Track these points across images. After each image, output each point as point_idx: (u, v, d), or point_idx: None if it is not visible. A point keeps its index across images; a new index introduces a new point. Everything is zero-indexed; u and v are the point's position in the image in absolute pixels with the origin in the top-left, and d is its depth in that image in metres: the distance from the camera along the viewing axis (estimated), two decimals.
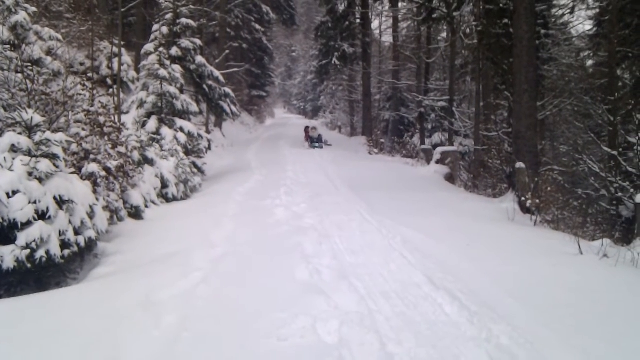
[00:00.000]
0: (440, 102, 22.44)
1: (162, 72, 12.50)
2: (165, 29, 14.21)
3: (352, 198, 10.07)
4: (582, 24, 52.69)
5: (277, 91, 65.51)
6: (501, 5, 14.84)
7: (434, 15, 20.23)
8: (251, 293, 4.72)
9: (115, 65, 14.04)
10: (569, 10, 17.89)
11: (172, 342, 3.71)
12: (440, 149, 15.76)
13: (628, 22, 13.56)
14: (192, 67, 14.97)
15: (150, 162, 10.06)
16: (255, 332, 3.83)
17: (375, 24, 30.61)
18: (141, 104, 12.56)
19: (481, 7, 16.46)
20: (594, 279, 5.19)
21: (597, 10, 17.07)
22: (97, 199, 7.02)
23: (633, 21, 13.36)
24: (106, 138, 8.82)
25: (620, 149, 10.60)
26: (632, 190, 9.41)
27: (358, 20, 26.52)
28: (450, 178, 14.43)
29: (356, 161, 16.62)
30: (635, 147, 10.13)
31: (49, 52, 12.02)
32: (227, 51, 25.39)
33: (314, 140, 21.91)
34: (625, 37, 13.63)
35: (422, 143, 22.19)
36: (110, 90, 14.74)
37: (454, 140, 21.29)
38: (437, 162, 14.97)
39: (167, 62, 12.96)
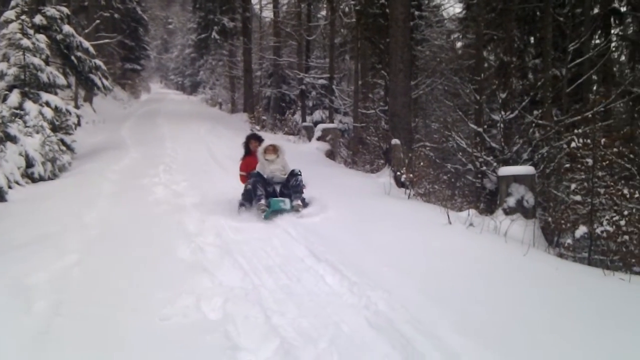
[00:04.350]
0: (321, 80, 22.76)
1: (25, 42, 11.52)
2: None
3: (236, 175, 9.97)
4: (452, 6, 55.92)
5: (152, 65, 62.78)
6: None
7: None
8: (131, 274, 4.54)
9: None
10: None
11: (44, 328, 3.49)
12: (321, 126, 16.04)
13: (494, 6, 14.52)
14: (59, 37, 13.91)
15: (13, 140, 9.29)
16: (136, 313, 3.70)
17: None
18: (1, 76, 11.50)
19: None
20: (463, 246, 5.59)
21: None
22: None
23: (498, 5, 14.34)
24: None
25: (485, 126, 11.43)
26: (495, 164, 10.20)
27: None
28: (331, 154, 14.76)
29: (239, 138, 16.37)
30: (498, 124, 10.98)
31: None
32: (98, 21, 23.88)
33: (276, 189, 6.98)
34: (491, 20, 14.60)
35: (304, 120, 22.43)
36: None
37: (334, 118, 21.75)
38: (318, 139, 15.22)
39: (31, 32, 11.96)
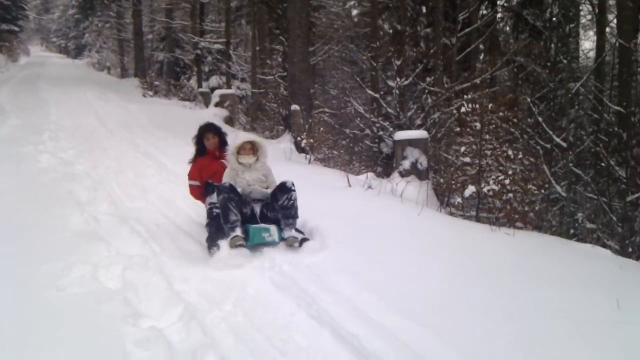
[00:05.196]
0: (217, 45, 22.17)
1: None
2: None
3: (129, 142, 9.57)
4: None
5: (32, 26, 58.06)
6: None
7: None
8: (19, 246, 4.21)
9: None
10: None
11: None
12: (218, 92, 15.71)
13: None
14: None
15: None
16: (29, 285, 3.45)
17: None
18: None
19: None
20: (362, 207, 5.76)
21: None
22: None
23: None
24: None
25: (381, 93, 11.72)
26: (391, 129, 10.52)
27: None
28: (230, 121, 14.51)
29: (130, 103, 15.66)
30: (393, 91, 11.30)
31: None
32: None
33: (255, 209, 4.65)
34: None
35: (200, 86, 21.78)
36: None
37: (232, 84, 21.35)
38: (216, 105, 14.91)
39: None
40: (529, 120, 10.21)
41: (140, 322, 3.04)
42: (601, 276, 4.32)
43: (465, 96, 9.04)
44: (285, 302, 3.38)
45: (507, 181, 6.96)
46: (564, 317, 3.36)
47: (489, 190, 7.03)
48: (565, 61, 10.82)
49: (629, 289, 4.01)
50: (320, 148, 9.91)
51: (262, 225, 4.40)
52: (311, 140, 9.31)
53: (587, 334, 3.16)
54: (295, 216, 4.50)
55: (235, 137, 4.95)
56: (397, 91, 11.14)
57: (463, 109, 8.11)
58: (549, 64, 11.41)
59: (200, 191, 5.16)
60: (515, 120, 9.31)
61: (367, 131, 11.34)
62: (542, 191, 8.26)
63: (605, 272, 4.46)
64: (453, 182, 7.81)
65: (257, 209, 4.61)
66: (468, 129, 7.92)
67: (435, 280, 3.81)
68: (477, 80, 10.58)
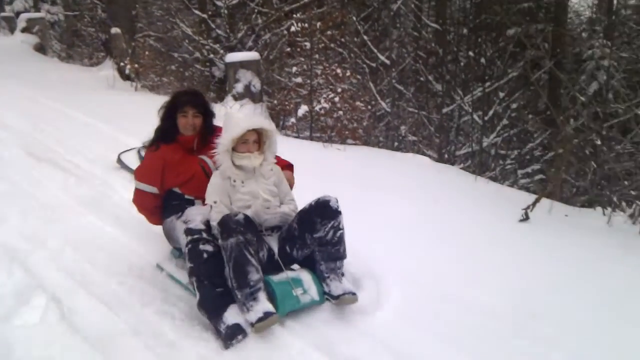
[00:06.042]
0: None
1: None
2: None
3: None
4: None
5: None
6: None
7: None
8: None
9: None
10: None
11: None
12: (24, 16, 14.03)
13: None
14: None
15: None
16: None
17: None
18: None
19: None
20: None
21: None
22: None
23: None
24: None
25: (210, 13, 11.21)
26: (222, 51, 10.21)
27: None
28: (41, 48, 13.08)
29: None
30: (222, 11, 10.87)
31: None
32: None
33: (271, 246, 2.64)
34: None
35: (2, 10, 19.21)
36: None
37: (41, 7, 19.12)
38: (23, 30, 13.32)
39: None
40: (355, 40, 10.53)
41: None
42: (422, 180, 4.75)
43: (294, 16, 9.01)
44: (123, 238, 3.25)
45: (337, 99, 7.21)
46: (390, 214, 3.66)
47: (320, 109, 7.24)
48: None
49: (444, 188, 4.47)
50: (148, 74, 9.36)
51: (290, 274, 2.59)
52: (136, 66, 8.76)
53: (410, 225, 3.50)
54: (343, 256, 2.65)
55: (227, 120, 2.68)
56: (226, 11, 10.73)
57: (293, 28, 8.13)
58: None
59: (155, 203, 2.97)
60: (343, 40, 9.55)
61: (197, 55, 10.87)
62: (369, 108, 8.70)
63: (425, 176, 4.90)
64: (287, 103, 7.92)
65: (274, 243, 2.69)
66: (299, 50, 7.99)
67: None
68: (306, 0, 10.58)
